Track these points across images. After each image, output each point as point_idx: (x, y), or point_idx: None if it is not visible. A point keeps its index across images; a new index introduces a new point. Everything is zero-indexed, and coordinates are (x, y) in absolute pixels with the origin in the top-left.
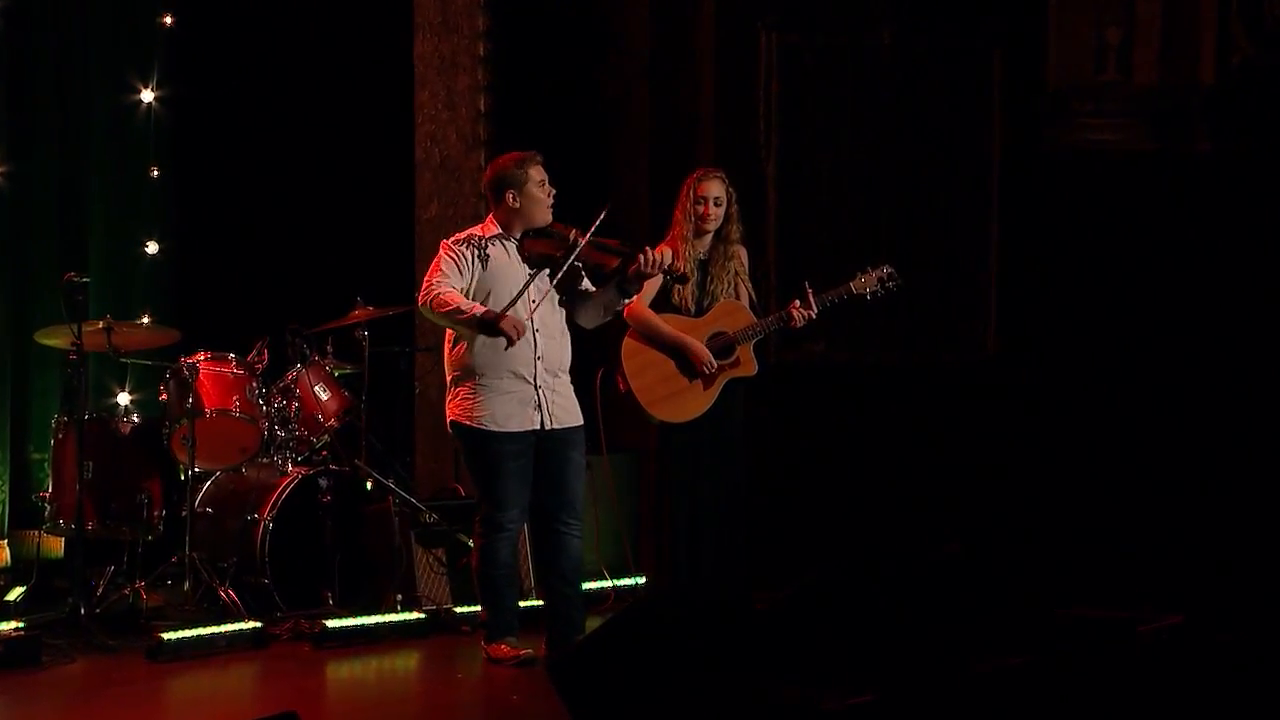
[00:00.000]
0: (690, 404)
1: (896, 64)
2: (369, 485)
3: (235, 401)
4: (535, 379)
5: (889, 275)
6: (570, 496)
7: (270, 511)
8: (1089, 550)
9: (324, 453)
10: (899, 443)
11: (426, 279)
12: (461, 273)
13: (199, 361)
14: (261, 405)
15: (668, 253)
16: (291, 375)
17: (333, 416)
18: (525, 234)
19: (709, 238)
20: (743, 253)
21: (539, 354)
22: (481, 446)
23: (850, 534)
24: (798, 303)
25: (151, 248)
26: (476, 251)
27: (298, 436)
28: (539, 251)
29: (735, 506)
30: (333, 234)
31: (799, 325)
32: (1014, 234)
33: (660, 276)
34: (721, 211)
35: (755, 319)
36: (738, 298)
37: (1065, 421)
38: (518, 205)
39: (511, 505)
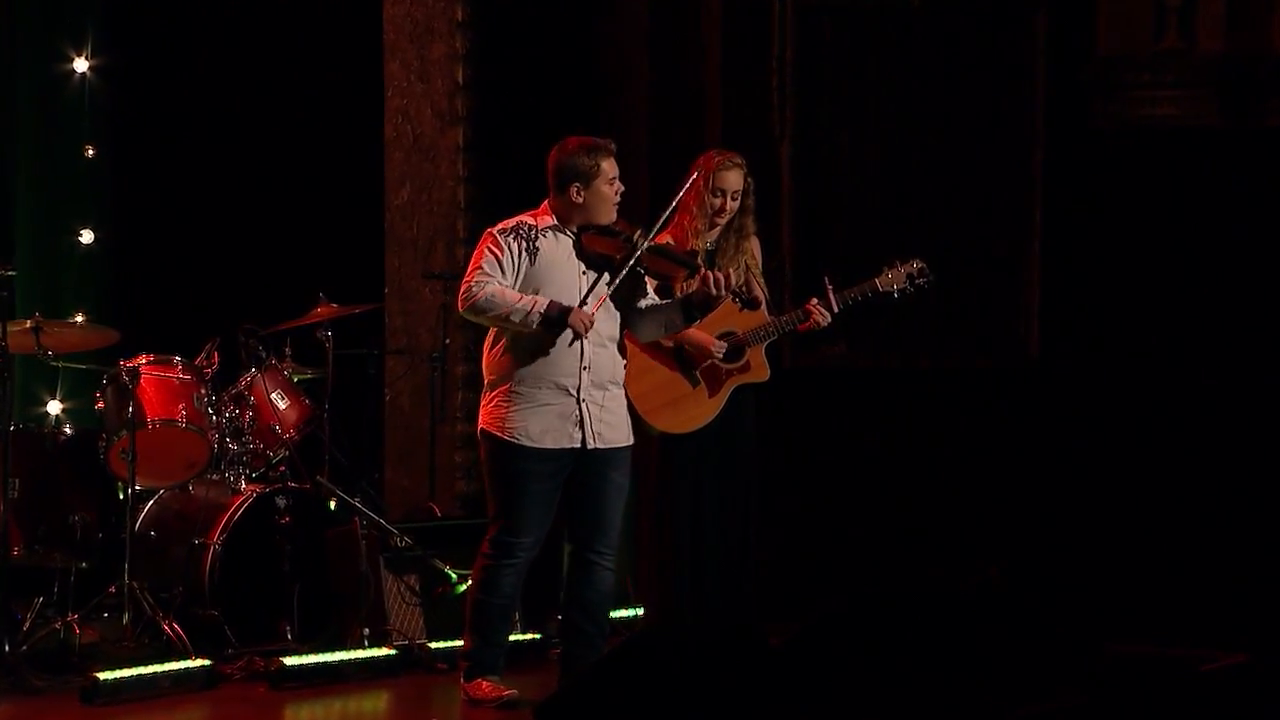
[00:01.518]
0: (693, 412)
1: (927, 30)
2: (332, 505)
3: (181, 411)
4: (579, 391)
5: (919, 271)
6: (607, 523)
7: (221, 535)
8: (1144, 579)
9: (282, 468)
10: (929, 457)
11: (466, 278)
12: (506, 269)
13: (140, 365)
14: (211, 415)
15: (730, 274)
16: (245, 381)
17: (292, 427)
18: (584, 229)
19: (718, 227)
20: (756, 245)
21: (585, 364)
22: (508, 461)
23: (875, 559)
24: (816, 301)
25: (86, 236)
26: (526, 244)
27: (252, 450)
28: (598, 251)
29: (744, 528)
30: (292, 222)
31: (817, 326)
32: (1059, 223)
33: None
34: (737, 204)
35: (768, 318)
36: (751, 292)
37: (1117, 435)
38: (581, 200)
39: (529, 531)
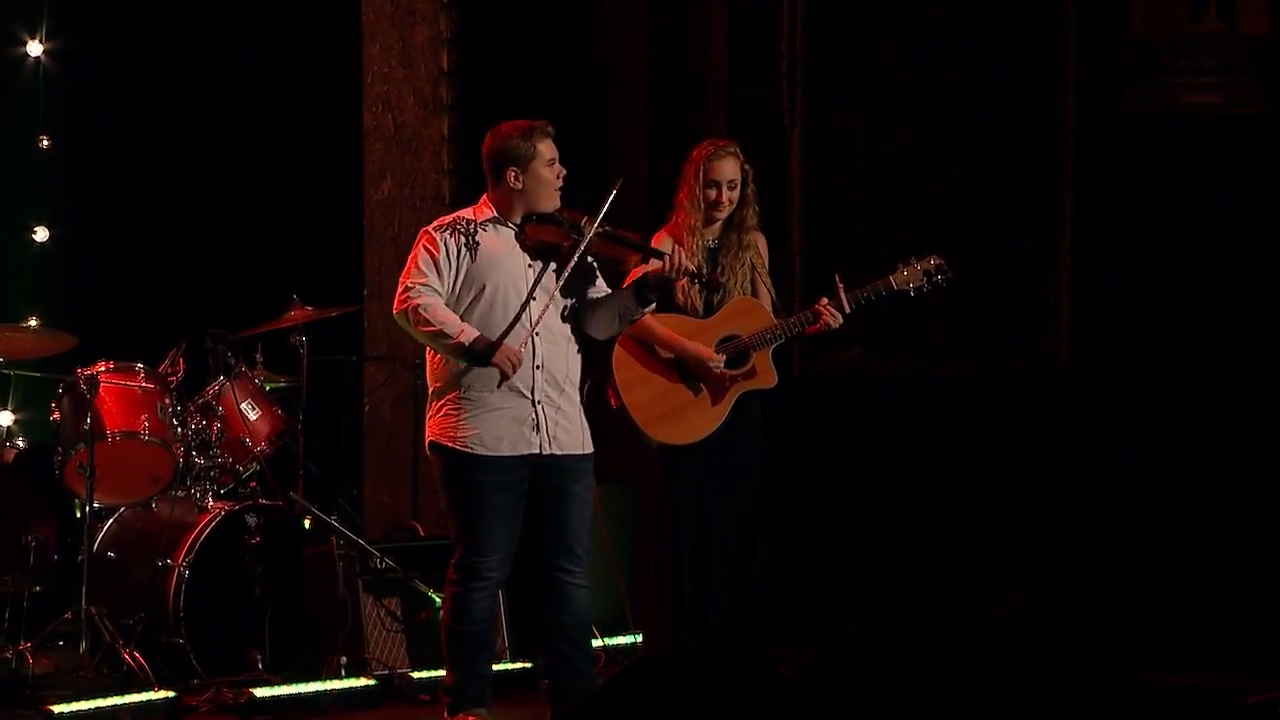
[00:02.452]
0: (696, 423)
1: (948, 10)
2: (307, 523)
3: (143, 422)
4: (534, 393)
5: (937, 267)
6: (571, 537)
7: (186, 556)
8: (1183, 603)
9: (252, 484)
10: (949, 471)
11: (401, 280)
12: (443, 271)
13: (99, 373)
14: (176, 427)
15: (682, 254)
16: (213, 390)
17: (263, 440)
18: (526, 219)
19: (720, 224)
20: (761, 241)
21: (539, 362)
22: (463, 474)
23: (891, 581)
24: (827, 300)
25: (40, 234)
26: (464, 239)
27: (220, 464)
28: (542, 240)
29: (751, 546)
30: (264, 218)
31: (829, 328)
32: (1090, 218)
33: (685, 281)
34: (736, 194)
35: (775, 320)
36: (754, 294)
37: (1153, 449)
38: (520, 186)
39: (494, 549)
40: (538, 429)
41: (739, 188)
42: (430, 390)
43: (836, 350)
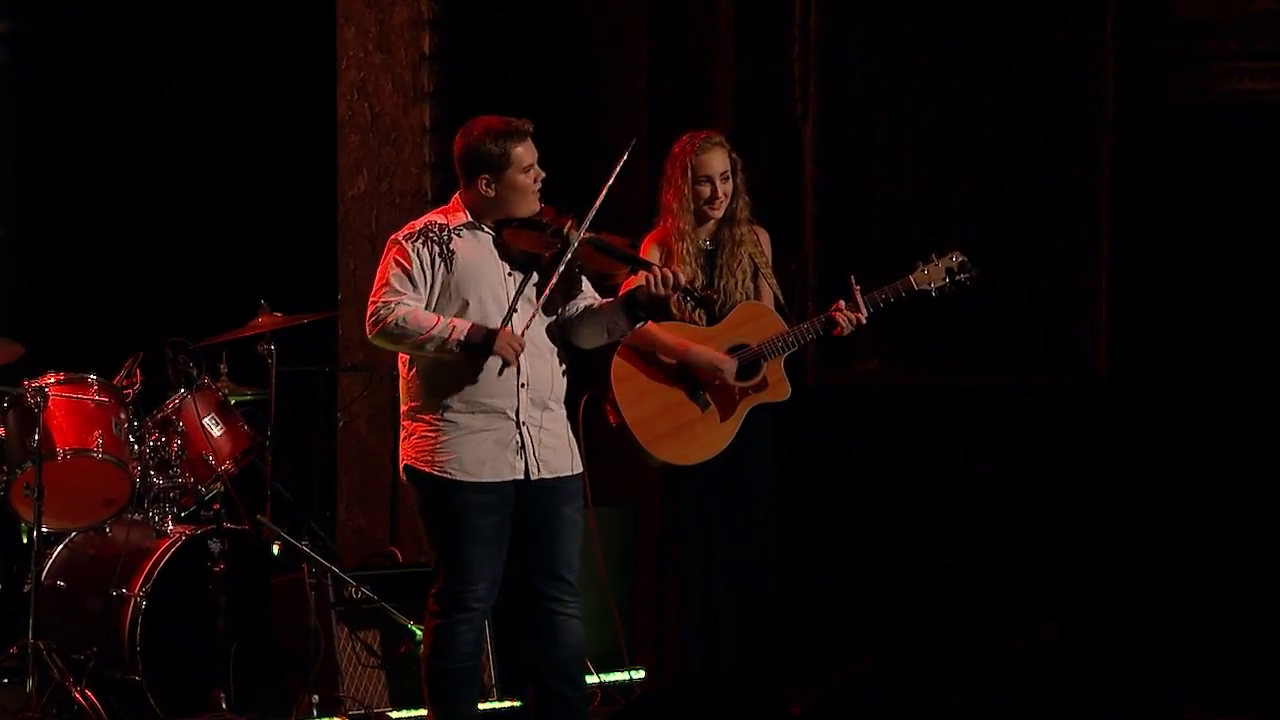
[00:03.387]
0: (702, 441)
1: None
2: (276, 549)
3: (97, 439)
4: (518, 414)
5: (960, 265)
6: (561, 563)
7: (144, 585)
8: (1232, 636)
9: (216, 506)
10: (977, 491)
11: (372, 296)
12: (418, 283)
13: (48, 385)
14: (132, 444)
15: (679, 270)
16: (173, 404)
17: (228, 458)
18: (504, 223)
19: (712, 222)
20: (762, 235)
21: (524, 380)
22: (443, 500)
23: (913, 610)
24: (842, 303)
25: None
26: (438, 247)
27: (181, 485)
28: (522, 249)
29: (761, 573)
30: (229, 217)
31: (845, 333)
32: (1132, 215)
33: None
34: (730, 187)
35: (786, 326)
36: (758, 297)
37: (1198, 466)
38: (492, 194)
39: (479, 578)
40: (522, 452)
41: (731, 179)
42: (403, 410)
43: (853, 359)
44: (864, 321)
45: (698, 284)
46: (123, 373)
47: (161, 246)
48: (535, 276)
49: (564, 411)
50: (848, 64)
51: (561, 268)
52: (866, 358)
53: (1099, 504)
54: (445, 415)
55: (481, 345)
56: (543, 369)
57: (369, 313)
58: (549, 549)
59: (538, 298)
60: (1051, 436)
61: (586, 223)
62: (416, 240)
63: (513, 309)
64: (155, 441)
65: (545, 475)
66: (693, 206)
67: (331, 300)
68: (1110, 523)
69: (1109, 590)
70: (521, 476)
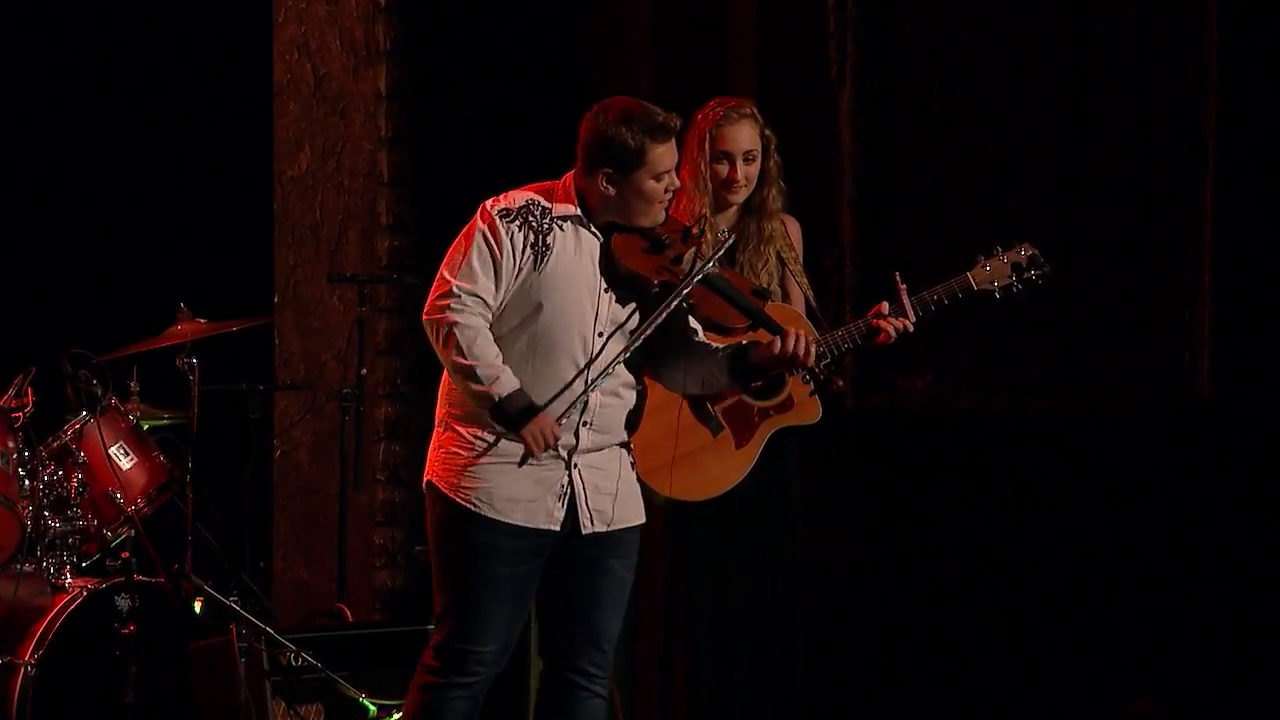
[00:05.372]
0: (715, 471)
1: None
2: (198, 607)
3: None
4: (573, 454)
5: (1030, 259)
6: (602, 631)
7: (36, 651)
8: None
9: (125, 555)
10: (1053, 536)
11: (445, 269)
12: (502, 274)
13: None
14: (22, 478)
15: (813, 341)
16: (72, 430)
17: (140, 495)
18: (616, 228)
19: (735, 209)
20: (793, 227)
21: (588, 418)
22: (461, 535)
23: (971, 672)
24: (886, 307)
25: None
26: (534, 235)
27: (82, 529)
28: (630, 268)
29: (788, 626)
30: (141, 204)
31: (889, 343)
32: (1241, 200)
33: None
34: (755, 170)
35: (817, 334)
36: (786, 299)
37: None
38: (612, 192)
39: (490, 638)
40: (566, 500)
41: (758, 160)
42: (438, 415)
43: (899, 376)
44: (912, 329)
45: (827, 366)
46: (11, 391)
47: (58, 239)
48: (633, 305)
49: (629, 455)
50: (894, 18)
51: (672, 305)
52: (915, 374)
53: (1202, 550)
54: (484, 434)
55: (512, 419)
56: (614, 409)
57: (436, 288)
58: (587, 614)
59: (633, 332)
60: (1145, 469)
61: (716, 258)
62: (513, 219)
63: (597, 335)
64: (51, 476)
65: (600, 529)
66: (711, 188)
67: (266, 304)
68: (1216, 573)
69: (1215, 655)
70: (557, 529)
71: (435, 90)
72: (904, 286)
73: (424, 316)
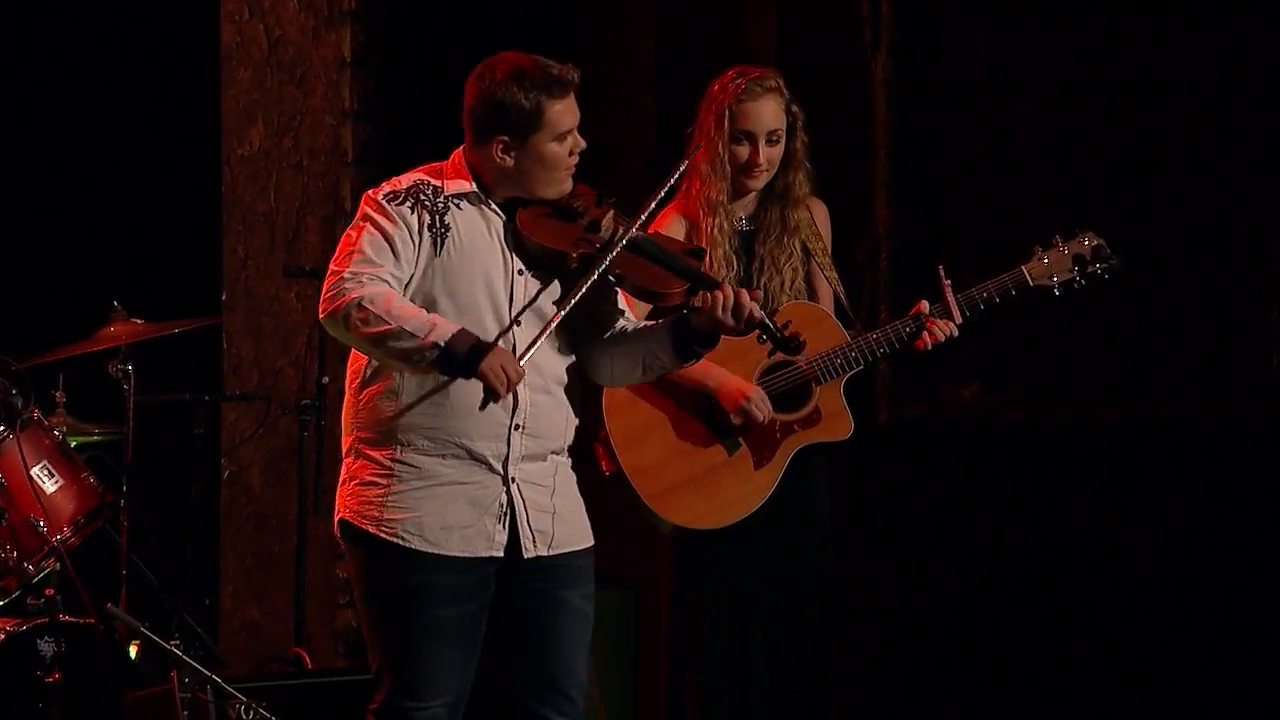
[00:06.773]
0: (732, 494)
1: None
2: (134, 651)
3: None
4: (507, 465)
5: (1094, 251)
6: (563, 674)
7: None
8: None
9: (49, 591)
10: (1118, 563)
11: (334, 264)
12: (401, 255)
13: None
14: None
15: (757, 296)
16: None
17: (66, 523)
18: (520, 203)
19: (754, 195)
20: (819, 211)
21: (519, 420)
22: (390, 577)
23: (1023, 713)
24: (927, 305)
25: None
26: (429, 216)
27: (0, 561)
28: (542, 243)
29: (816, 678)
30: (70, 189)
31: (931, 347)
32: None
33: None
34: (778, 152)
35: (848, 336)
36: (813, 296)
37: None
38: (510, 162)
39: (437, 689)
40: (506, 519)
41: (783, 141)
42: (345, 443)
43: (943, 385)
44: (956, 331)
45: (779, 320)
46: None
47: None
48: (554, 283)
49: (569, 463)
50: None
51: (594, 276)
52: (962, 382)
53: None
54: (403, 455)
55: (465, 360)
56: (548, 409)
57: (327, 284)
58: (544, 652)
59: (554, 312)
60: (1224, 488)
61: (641, 220)
62: (403, 202)
63: (515, 322)
64: None
65: (543, 551)
66: (729, 170)
67: (214, 302)
68: None
69: None
70: (500, 554)
71: (406, 56)
72: (948, 282)
73: (320, 317)
